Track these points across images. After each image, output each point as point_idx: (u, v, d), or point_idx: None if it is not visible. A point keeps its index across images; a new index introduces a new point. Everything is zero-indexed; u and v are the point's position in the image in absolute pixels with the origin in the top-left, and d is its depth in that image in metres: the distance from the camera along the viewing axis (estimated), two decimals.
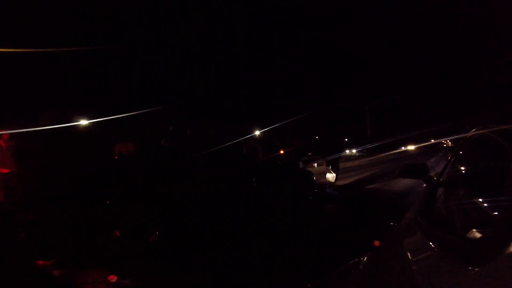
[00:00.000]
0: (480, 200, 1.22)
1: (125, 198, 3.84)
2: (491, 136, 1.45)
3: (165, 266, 3.45)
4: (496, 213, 1.09)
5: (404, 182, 8.43)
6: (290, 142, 12.17)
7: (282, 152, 11.34)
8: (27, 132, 3.59)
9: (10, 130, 5.96)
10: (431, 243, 1.11)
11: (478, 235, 1.09)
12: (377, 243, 1.66)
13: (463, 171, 1.73)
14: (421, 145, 30.34)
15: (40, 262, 3.27)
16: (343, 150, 9.32)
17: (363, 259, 1.46)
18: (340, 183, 10.13)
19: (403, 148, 29.22)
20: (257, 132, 13.11)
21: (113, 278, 3.06)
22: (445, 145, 42.42)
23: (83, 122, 8.16)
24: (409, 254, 1.21)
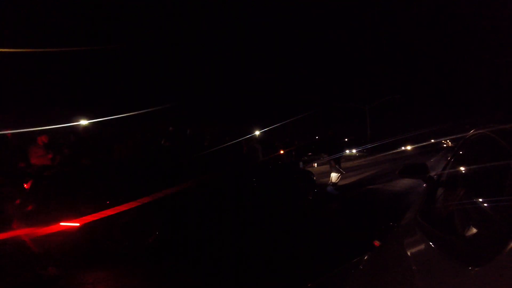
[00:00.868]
0: (480, 200, 1.22)
1: (125, 197, 3.84)
2: (491, 136, 1.45)
3: (165, 266, 3.45)
4: (496, 213, 1.09)
5: (404, 182, 8.43)
6: (290, 142, 12.18)
7: (282, 152, 11.35)
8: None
9: (9, 130, 5.97)
10: (431, 243, 1.11)
11: (478, 235, 1.09)
12: (377, 243, 1.65)
13: (463, 171, 1.73)
14: (420, 145, 30.32)
15: None
16: (345, 149, 9.25)
17: (363, 259, 1.46)
18: (340, 183, 10.13)
19: (403, 148, 29.22)
20: (257, 132, 13.11)
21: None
22: (445, 145, 42.41)
23: (83, 122, 8.18)
24: (409, 254, 1.21)
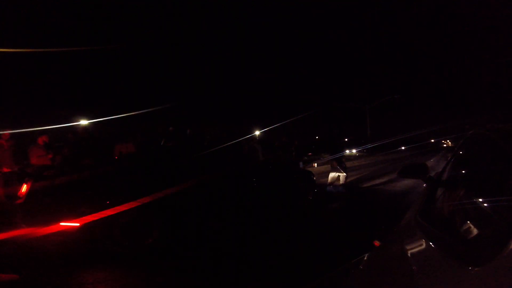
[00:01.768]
0: (480, 200, 1.22)
1: (125, 197, 3.84)
2: (491, 136, 1.45)
3: (165, 266, 3.45)
4: (496, 213, 1.09)
5: (404, 182, 8.43)
6: (290, 142, 12.16)
7: (282, 152, 11.34)
8: None
9: (9, 130, 5.97)
10: (431, 243, 1.11)
11: (478, 235, 1.09)
12: (377, 243, 1.65)
13: (463, 171, 1.73)
14: (420, 144, 30.31)
15: None
16: (345, 149, 9.23)
17: (363, 259, 1.46)
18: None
19: (403, 147, 29.21)
20: (257, 132, 13.10)
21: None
22: (445, 145, 42.42)
23: (83, 122, 8.18)
24: (409, 254, 1.21)
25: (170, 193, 4.09)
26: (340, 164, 7.91)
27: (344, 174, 7.85)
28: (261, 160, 8.36)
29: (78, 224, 3.52)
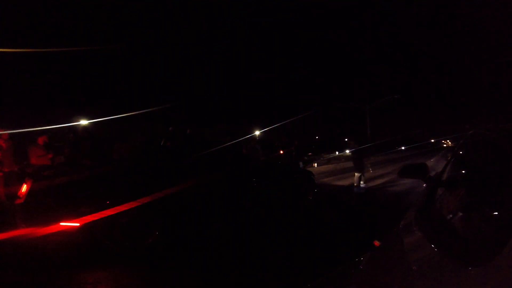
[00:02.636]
0: (480, 200, 1.22)
1: (125, 197, 3.84)
2: (491, 136, 1.45)
3: (165, 266, 3.45)
4: (496, 213, 1.09)
5: (404, 182, 8.43)
6: (290, 142, 12.17)
7: (282, 152, 11.34)
8: None
9: (9, 130, 5.97)
10: (431, 243, 1.11)
11: (478, 235, 1.09)
12: (377, 243, 1.65)
13: (463, 171, 1.73)
14: (419, 144, 30.28)
15: None
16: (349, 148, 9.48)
17: (363, 259, 1.46)
18: (340, 183, 10.14)
19: (403, 147, 29.22)
20: (257, 132, 13.10)
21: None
22: (445, 145, 42.42)
23: (83, 122, 8.19)
24: (409, 254, 1.21)
25: (170, 193, 4.09)
26: (359, 163, 8.08)
27: (359, 174, 8.02)
28: (261, 160, 8.35)
29: (78, 224, 3.52)
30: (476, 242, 1.02)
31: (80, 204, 3.70)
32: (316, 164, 15.35)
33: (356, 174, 8.00)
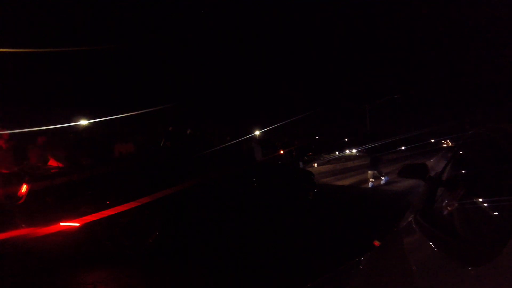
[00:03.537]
0: (480, 200, 1.22)
1: (125, 197, 3.84)
2: (491, 136, 1.45)
3: (165, 266, 3.45)
4: (496, 213, 1.09)
5: (404, 182, 8.43)
6: (290, 142, 12.18)
7: (282, 152, 11.35)
8: None
9: (9, 130, 5.97)
10: (431, 243, 1.11)
11: (478, 235, 1.09)
12: (377, 243, 1.65)
13: (463, 171, 1.73)
14: (419, 144, 30.24)
15: None
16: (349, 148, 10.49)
17: (363, 259, 1.46)
18: (339, 183, 10.14)
19: (403, 147, 29.18)
20: (257, 132, 13.11)
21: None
22: (445, 145, 42.41)
23: (83, 122, 8.20)
24: (409, 254, 1.21)
25: (170, 193, 4.09)
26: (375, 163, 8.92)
27: (372, 172, 8.85)
28: (259, 160, 8.35)
29: (78, 224, 3.52)
30: (476, 242, 1.02)
31: (80, 204, 3.70)
32: (316, 164, 15.35)
33: (369, 172, 8.95)
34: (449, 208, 1.44)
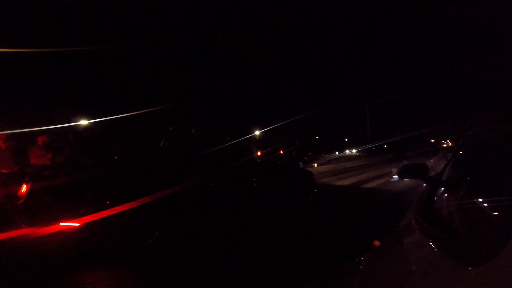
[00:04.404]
0: (480, 200, 1.22)
1: (125, 197, 3.84)
2: (491, 136, 1.45)
3: (165, 266, 3.45)
4: (496, 213, 1.09)
5: (404, 182, 8.44)
6: (290, 142, 12.18)
7: (282, 152, 11.34)
8: None
9: (9, 130, 5.97)
10: (431, 243, 1.11)
11: (478, 235, 1.09)
12: (377, 243, 1.65)
13: (463, 171, 1.73)
14: (419, 144, 30.18)
15: None
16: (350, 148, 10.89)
17: (363, 259, 1.46)
18: (339, 183, 10.14)
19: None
20: (257, 132, 13.11)
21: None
22: (445, 145, 42.39)
23: (83, 122, 8.19)
24: (409, 254, 1.21)
25: (170, 193, 4.09)
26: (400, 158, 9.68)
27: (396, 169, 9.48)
28: (257, 160, 8.34)
29: (78, 224, 3.52)
30: (476, 242, 1.02)
31: (80, 204, 3.70)
32: (316, 164, 15.35)
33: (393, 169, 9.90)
34: (449, 208, 1.44)
